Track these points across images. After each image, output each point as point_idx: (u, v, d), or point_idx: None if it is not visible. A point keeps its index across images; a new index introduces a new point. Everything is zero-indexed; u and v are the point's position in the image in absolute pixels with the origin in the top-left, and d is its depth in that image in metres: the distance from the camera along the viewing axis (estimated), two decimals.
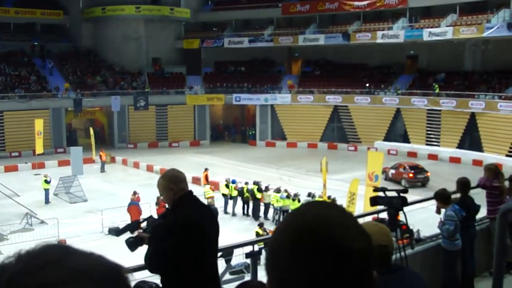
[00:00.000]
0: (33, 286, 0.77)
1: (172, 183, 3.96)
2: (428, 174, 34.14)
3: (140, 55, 54.23)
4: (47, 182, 30.65)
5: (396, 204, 5.79)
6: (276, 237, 1.08)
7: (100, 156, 40.07)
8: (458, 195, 8.22)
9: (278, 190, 27.67)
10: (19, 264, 0.80)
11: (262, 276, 5.56)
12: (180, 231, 3.82)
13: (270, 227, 24.91)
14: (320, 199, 24.93)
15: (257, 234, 20.56)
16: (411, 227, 7.67)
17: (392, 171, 35.04)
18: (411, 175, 33.82)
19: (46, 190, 30.75)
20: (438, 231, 7.98)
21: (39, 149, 39.58)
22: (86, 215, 27.88)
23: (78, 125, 54.37)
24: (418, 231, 12.83)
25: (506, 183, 8.89)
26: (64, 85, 48.17)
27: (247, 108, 54.20)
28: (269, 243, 1.10)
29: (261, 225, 22.44)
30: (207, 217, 4.05)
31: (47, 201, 30.67)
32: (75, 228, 24.99)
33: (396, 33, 46.22)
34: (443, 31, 43.37)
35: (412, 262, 6.73)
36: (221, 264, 7.59)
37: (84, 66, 52.68)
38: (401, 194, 5.91)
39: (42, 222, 26.03)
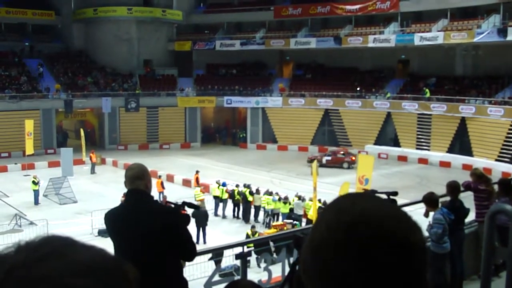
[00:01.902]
0: (33, 278, 0.76)
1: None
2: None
3: (132, 57, 54.11)
4: (35, 183, 30.47)
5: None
6: (322, 235, 0.97)
7: (91, 158, 39.92)
8: (447, 198, 8.27)
9: (270, 193, 27.71)
10: (19, 255, 0.79)
11: (251, 278, 5.57)
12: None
13: (261, 229, 24.96)
14: (310, 202, 24.97)
15: (247, 236, 20.55)
16: None
17: (328, 158, 41.38)
18: (354, 158, 39.21)
19: (35, 191, 30.58)
20: (427, 234, 8.02)
21: (29, 150, 39.39)
22: (76, 216, 27.78)
23: (68, 126, 54.19)
24: None
25: (496, 187, 8.95)
26: (55, 86, 47.99)
27: (238, 110, 54.20)
28: (311, 242, 0.98)
29: (253, 227, 22.47)
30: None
31: (36, 202, 30.52)
32: (65, 230, 24.83)
33: (388, 37, 46.40)
34: (434, 36, 43.59)
35: None
36: (212, 266, 7.59)
37: (75, 67, 52.49)
38: (391, 197, 5.94)
39: (32, 223, 25.91)
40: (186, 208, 4.65)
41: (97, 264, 0.81)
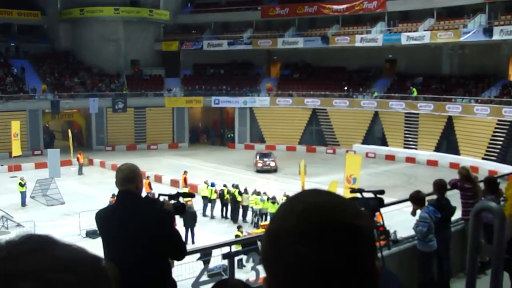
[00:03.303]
0: (16, 273, 0.78)
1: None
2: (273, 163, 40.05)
3: (119, 57, 53.92)
4: (21, 185, 30.28)
5: (373, 206, 5.85)
6: (278, 224, 1.04)
7: (78, 159, 39.75)
8: (434, 197, 8.32)
9: (258, 193, 27.75)
10: (1, 252, 0.81)
11: (239, 278, 5.57)
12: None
13: (249, 229, 24.97)
14: None
15: (237, 237, 20.54)
16: (387, 228, 7.73)
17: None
18: (260, 164, 39.88)
19: (22, 193, 30.40)
20: (413, 232, 8.07)
21: (16, 151, 39.15)
22: (63, 217, 27.64)
23: (55, 127, 53.92)
24: (395, 232, 12.93)
25: (482, 185, 9.02)
26: (41, 86, 47.71)
27: (226, 110, 54.17)
28: (268, 233, 1.06)
29: (239, 227, 22.49)
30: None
31: (23, 204, 30.33)
32: (53, 231, 24.71)
33: (375, 37, 46.58)
34: (420, 35, 43.81)
35: (388, 263, 6.79)
36: (200, 266, 7.60)
37: (61, 67, 52.20)
38: (378, 195, 5.97)
39: (19, 225, 25.74)
40: (180, 199, 4.67)
41: (78, 261, 0.84)
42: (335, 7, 49.54)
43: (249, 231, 23.73)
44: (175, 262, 4.50)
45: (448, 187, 8.85)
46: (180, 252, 4.33)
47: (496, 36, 39.25)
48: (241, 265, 10.07)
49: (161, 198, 4.51)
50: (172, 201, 4.53)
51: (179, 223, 22.45)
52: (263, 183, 34.83)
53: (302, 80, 51.90)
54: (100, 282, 0.84)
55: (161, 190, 30.43)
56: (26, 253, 0.81)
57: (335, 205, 1.05)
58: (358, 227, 1.02)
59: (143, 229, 4.07)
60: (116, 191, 4.34)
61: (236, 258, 6.35)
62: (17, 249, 0.82)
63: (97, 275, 0.85)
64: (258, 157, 40.62)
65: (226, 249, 6.27)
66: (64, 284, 0.79)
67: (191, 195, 5.50)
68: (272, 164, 39.75)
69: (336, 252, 0.98)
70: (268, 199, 26.70)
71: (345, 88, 48.46)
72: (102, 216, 4.28)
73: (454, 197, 8.89)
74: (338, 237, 0.99)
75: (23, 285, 0.76)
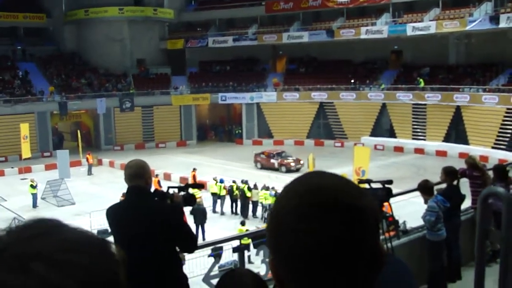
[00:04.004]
0: (26, 255, 0.80)
1: None
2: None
3: (125, 57, 54.01)
4: (33, 187, 30.51)
5: (381, 196, 5.86)
6: (281, 205, 1.06)
7: (87, 159, 39.91)
8: (444, 186, 8.31)
9: (267, 188, 27.77)
10: (11, 235, 0.83)
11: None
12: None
13: (259, 224, 25.00)
14: None
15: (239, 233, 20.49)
16: (396, 218, 7.73)
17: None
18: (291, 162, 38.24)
19: (34, 195, 30.61)
20: (422, 222, 8.06)
21: (26, 153, 39.32)
22: (74, 218, 27.69)
23: (64, 128, 54.08)
24: (404, 222, 12.92)
25: (491, 173, 8.99)
26: (48, 88, 47.89)
27: (233, 107, 54.15)
28: (272, 213, 1.08)
29: (243, 223, 22.51)
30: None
31: (34, 205, 30.51)
32: None
33: (380, 28, 46.40)
34: (426, 25, 43.60)
35: (398, 253, 6.80)
36: (211, 262, 7.62)
37: (68, 69, 52.37)
38: (386, 185, 5.98)
39: None
40: (190, 189, 4.70)
41: (85, 243, 0.86)
42: (339, 0, 49.39)
43: (259, 226, 23.73)
44: (186, 258, 4.52)
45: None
46: (191, 244, 4.37)
47: (502, 24, 38.99)
48: (248, 261, 10.10)
49: (171, 191, 4.54)
50: (182, 193, 4.55)
51: (190, 220, 22.49)
52: (272, 178, 34.81)
53: (308, 74, 51.81)
54: (109, 264, 0.86)
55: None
56: (36, 236, 0.83)
57: (338, 186, 1.05)
58: (361, 208, 1.02)
59: (153, 224, 4.10)
60: (125, 190, 4.37)
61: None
62: (27, 233, 0.84)
63: (106, 258, 0.86)
64: (275, 157, 39.05)
65: (236, 244, 6.30)
66: (73, 265, 0.80)
67: (200, 185, 5.54)
68: (293, 164, 37.95)
69: (338, 233, 0.99)
70: (276, 193, 26.69)
71: (352, 80, 48.34)
72: (112, 212, 4.32)
73: (463, 185, 8.86)
74: (341, 217, 1.00)
75: (34, 266, 0.78)
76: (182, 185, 4.67)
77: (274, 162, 38.74)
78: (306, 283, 1.02)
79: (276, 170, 37.88)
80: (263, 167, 39.02)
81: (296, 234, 1.00)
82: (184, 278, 4.39)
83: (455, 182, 8.42)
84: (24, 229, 0.85)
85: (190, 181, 31.50)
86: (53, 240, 0.83)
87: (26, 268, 0.78)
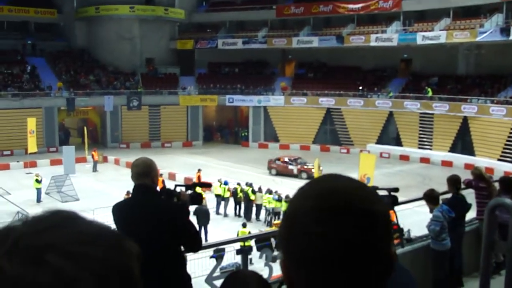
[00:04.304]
0: (40, 246, 0.79)
1: None
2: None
3: (134, 55, 54.15)
4: (38, 181, 30.60)
5: (387, 203, 5.83)
6: (295, 206, 1.06)
7: (92, 156, 40.00)
8: (449, 196, 8.29)
9: (270, 191, 27.76)
10: (26, 226, 0.82)
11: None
12: None
13: (262, 228, 24.98)
14: None
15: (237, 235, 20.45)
16: (401, 226, 7.71)
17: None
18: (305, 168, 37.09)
19: (38, 189, 30.69)
20: (427, 231, 8.04)
21: (32, 147, 39.46)
22: None
23: (71, 124, 54.23)
24: (408, 231, 12.87)
25: (497, 185, 8.96)
26: (57, 84, 48.05)
27: (240, 109, 54.20)
28: (286, 214, 1.07)
29: (244, 225, 22.48)
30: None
31: (38, 200, 30.58)
32: None
33: (390, 36, 46.37)
34: (436, 35, 43.55)
35: (402, 261, 6.76)
36: (213, 263, 7.63)
37: (77, 65, 52.55)
38: (392, 193, 5.96)
39: None
40: (197, 189, 4.70)
41: (101, 236, 0.85)
42: (350, 6, 49.41)
43: (262, 229, 23.71)
44: (188, 259, 4.52)
45: (463, 186, 8.80)
46: (196, 243, 4.38)
47: None
48: (250, 263, 10.08)
49: (178, 189, 4.54)
50: (189, 192, 4.55)
51: (193, 221, 22.46)
52: (277, 182, 34.78)
53: (316, 79, 51.79)
54: (124, 258, 0.85)
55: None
56: (51, 227, 0.82)
57: (353, 189, 1.05)
58: (375, 212, 1.02)
59: (158, 222, 4.10)
60: (131, 187, 4.38)
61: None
62: (42, 224, 0.83)
63: (121, 251, 0.85)
64: (293, 164, 37.91)
65: (239, 246, 6.29)
66: (89, 257, 0.80)
67: (208, 185, 5.55)
68: (313, 170, 33.72)
69: (351, 236, 0.98)
70: (279, 198, 26.65)
71: (360, 87, 48.31)
72: (118, 209, 4.32)
73: (469, 196, 8.83)
74: (354, 221, 0.99)
75: (48, 258, 0.77)
76: (189, 184, 4.67)
77: (293, 168, 37.70)
78: (317, 285, 1.01)
79: (295, 176, 36.89)
80: (279, 174, 37.62)
81: (308, 237, 1.00)
82: (188, 278, 4.39)
83: (459, 190, 8.41)
84: (39, 220, 0.84)
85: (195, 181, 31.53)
86: (69, 232, 0.82)
87: (40, 260, 0.77)
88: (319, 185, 1.09)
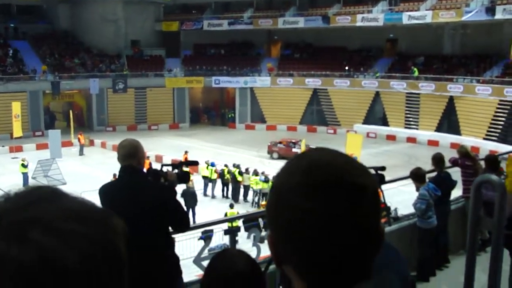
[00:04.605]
0: (24, 221, 0.76)
1: None
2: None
3: (119, 38, 53.66)
4: (24, 166, 30.41)
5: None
6: (282, 180, 1.04)
7: (79, 139, 39.77)
8: (435, 173, 8.35)
9: (256, 173, 27.80)
10: (9, 202, 0.80)
11: None
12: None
13: (250, 209, 25.05)
14: None
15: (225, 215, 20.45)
16: (388, 204, 7.76)
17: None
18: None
19: (24, 174, 30.51)
20: (413, 210, 8.10)
21: (17, 132, 39.14)
22: None
23: (56, 108, 53.81)
24: (395, 209, 12.98)
25: (482, 164, 9.03)
26: (41, 67, 47.55)
27: (227, 91, 54.03)
28: (273, 188, 1.05)
29: (231, 206, 22.53)
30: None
31: (25, 184, 30.32)
32: None
33: (376, 16, 46.30)
34: (422, 14, 43.55)
35: (388, 239, 6.81)
36: (201, 245, 7.64)
37: (61, 48, 51.99)
38: (379, 172, 5.98)
39: None
40: (184, 167, 4.68)
41: (87, 212, 0.82)
42: None
43: (249, 210, 23.78)
44: (176, 240, 4.52)
45: (449, 164, 8.86)
46: (183, 223, 4.38)
47: (498, 15, 39.03)
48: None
49: (164, 169, 4.52)
50: (176, 171, 4.53)
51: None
52: (264, 163, 34.82)
53: (302, 60, 51.70)
54: (110, 235, 0.82)
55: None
56: (35, 202, 0.79)
57: (341, 163, 1.03)
58: (363, 186, 1.00)
59: (145, 203, 4.10)
60: (117, 170, 4.35)
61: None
62: (26, 199, 0.80)
63: (108, 229, 0.83)
64: (295, 146, 36.78)
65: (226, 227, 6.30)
66: (75, 235, 0.77)
67: (194, 162, 5.52)
68: None
69: (339, 209, 0.97)
70: (266, 179, 26.69)
71: (346, 68, 48.30)
72: (105, 191, 4.31)
73: (455, 175, 8.89)
74: (342, 194, 0.98)
75: (32, 234, 0.74)
76: (175, 163, 4.65)
77: (298, 151, 36.08)
78: (304, 260, 1.00)
79: None
80: (282, 157, 35.90)
81: (296, 211, 0.98)
82: (177, 259, 4.39)
83: (443, 168, 8.47)
84: (22, 196, 0.81)
85: None
86: (53, 207, 0.79)
87: (24, 237, 0.74)
88: (305, 159, 1.06)
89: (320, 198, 0.97)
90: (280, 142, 38.25)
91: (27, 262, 0.73)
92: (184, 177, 4.54)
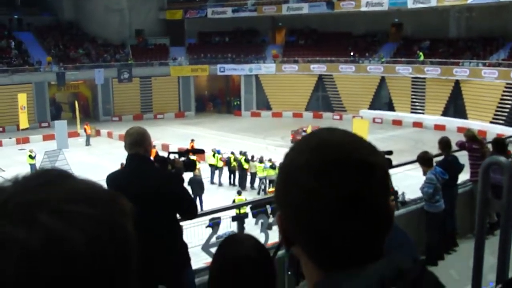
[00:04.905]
0: (31, 203, 0.75)
1: None
2: None
3: (123, 27, 53.58)
4: (31, 157, 30.53)
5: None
6: (291, 159, 1.03)
7: (85, 130, 39.86)
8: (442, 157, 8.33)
9: (261, 160, 27.80)
10: (17, 185, 0.79)
11: None
12: None
13: (256, 196, 25.08)
14: None
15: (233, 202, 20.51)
16: (396, 189, 7.75)
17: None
18: None
19: (32, 165, 30.58)
20: (420, 194, 8.09)
21: (24, 123, 39.26)
22: None
23: (62, 99, 53.88)
24: (403, 193, 12.98)
25: (490, 147, 9.00)
26: (46, 58, 47.57)
27: (232, 78, 53.96)
28: (281, 168, 1.05)
29: (239, 193, 22.57)
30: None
31: None
32: None
33: (380, 0, 45.98)
34: None
35: (396, 223, 6.82)
36: (209, 232, 7.66)
37: (66, 39, 51.98)
38: (386, 156, 5.95)
39: None
40: (190, 155, 4.69)
41: (94, 194, 0.82)
42: None
43: (257, 197, 23.81)
44: (184, 228, 4.53)
45: (456, 147, 8.83)
46: (191, 210, 4.40)
47: None
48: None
49: (171, 156, 4.52)
50: (182, 158, 4.53)
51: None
52: (270, 150, 34.79)
53: (307, 46, 51.54)
54: (117, 216, 0.82)
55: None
56: (42, 184, 0.79)
57: (350, 141, 1.02)
58: (373, 164, 0.99)
59: (153, 191, 4.10)
60: (124, 159, 4.36)
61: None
62: (33, 182, 0.80)
63: (115, 210, 0.82)
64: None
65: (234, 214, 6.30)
66: (83, 217, 0.76)
67: (201, 151, 5.54)
68: None
69: (348, 188, 0.96)
70: (272, 165, 26.66)
71: (351, 53, 48.12)
72: (112, 179, 4.31)
73: (462, 158, 8.87)
74: (351, 172, 0.97)
75: (40, 217, 0.74)
76: (182, 151, 4.66)
77: None
78: (313, 239, 0.99)
79: None
80: None
81: (304, 189, 0.97)
82: (184, 245, 4.40)
83: (450, 152, 8.45)
84: (30, 178, 0.81)
85: None
86: (61, 189, 0.79)
87: (32, 219, 0.74)
88: (315, 138, 1.05)
89: (328, 176, 0.96)
90: (304, 130, 37.09)
91: (34, 245, 0.72)
92: (191, 165, 4.55)
